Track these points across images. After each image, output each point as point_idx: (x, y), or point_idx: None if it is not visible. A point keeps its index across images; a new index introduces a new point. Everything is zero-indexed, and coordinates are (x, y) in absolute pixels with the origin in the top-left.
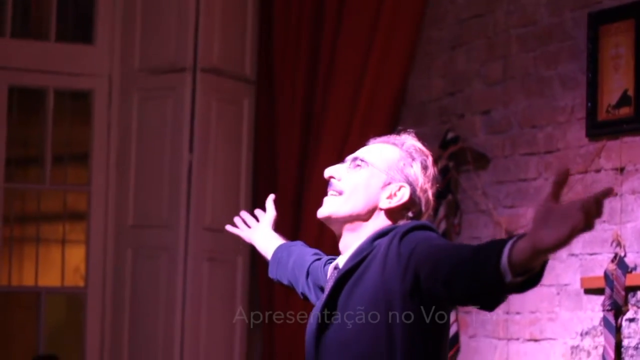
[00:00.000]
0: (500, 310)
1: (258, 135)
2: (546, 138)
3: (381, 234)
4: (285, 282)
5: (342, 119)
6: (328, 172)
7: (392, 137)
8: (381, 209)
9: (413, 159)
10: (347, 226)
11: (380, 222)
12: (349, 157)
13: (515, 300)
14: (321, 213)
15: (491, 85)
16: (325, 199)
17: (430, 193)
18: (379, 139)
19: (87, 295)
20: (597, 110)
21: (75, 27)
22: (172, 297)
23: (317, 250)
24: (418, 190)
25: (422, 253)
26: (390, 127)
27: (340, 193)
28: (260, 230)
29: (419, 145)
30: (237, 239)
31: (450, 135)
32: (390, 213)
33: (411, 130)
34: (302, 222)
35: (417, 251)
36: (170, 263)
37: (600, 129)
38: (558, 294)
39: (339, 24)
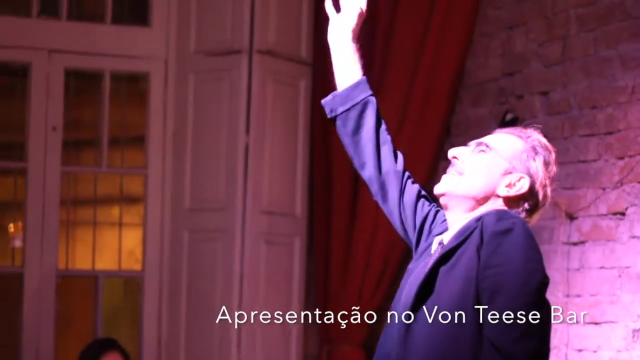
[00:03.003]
0: (560, 293)
1: (314, 117)
2: (606, 119)
3: (487, 215)
4: (348, 141)
5: (399, 100)
6: (452, 152)
7: (519, 130)
8: (499, 196)
9: (536, 153)
10: (462, 206)
11: (495, 207)
12: (473, 142)
13: (575, 282)
14: (438, 189)
15: (550, 66)
16: (444, 176)
17: (549, 189)
18: (505, 130)
19: (144, 279)
20: None
21: (130, 9)
22: (229, 279)
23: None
24: (538, 184)
25: (489, 284)
26: (448, 108)
27: (461, 174)
28: (344, 28)
29: (544, 140)
30: (294, 221)
31: (509, 116)
32: (507, 201)
33: (538, 125)
34: (358, 205)
35: (488, 276)
36: (227, 246)
37: None
38: (619, 276)
39: (395, 3)
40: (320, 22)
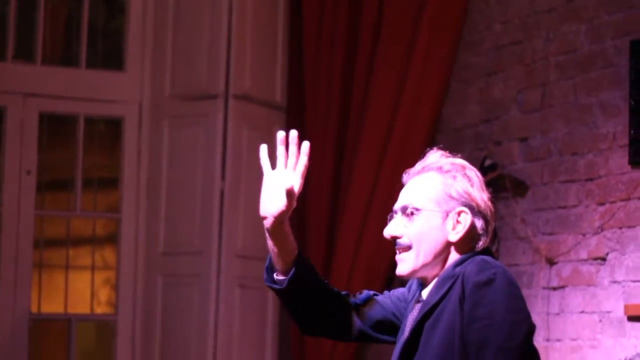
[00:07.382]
0: (540, 337)
1: None
2: (587, 165)
3: (461, 262)
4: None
5: (376, 145)
6: (388, 232)
7: (421, 163)
8: (452, 242)
9: (454, 178)
10: (432, 271)
11: (457, 253)
12: (397, 207)
13: (555, 327)
14: (400, 272)
15: (529, 113)
16: (397, 258)
17: (486, 199)
18: (411, 172)
19: (118, 323)
20: None
21: (105, 54)
22: (203, 324)
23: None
24: (474, 205)
25: (475, 339)
26: (424, 154)
27: (409, 248)
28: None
29: (451, 160)
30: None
31: (487, 162)
32: (464, 241)
33: (435, 147)
34: (335, 247)
35: (472, 330)
36: (201, 290)
37: None
38: (600, 321)
39: (373, 50)
40: (294, 68)
